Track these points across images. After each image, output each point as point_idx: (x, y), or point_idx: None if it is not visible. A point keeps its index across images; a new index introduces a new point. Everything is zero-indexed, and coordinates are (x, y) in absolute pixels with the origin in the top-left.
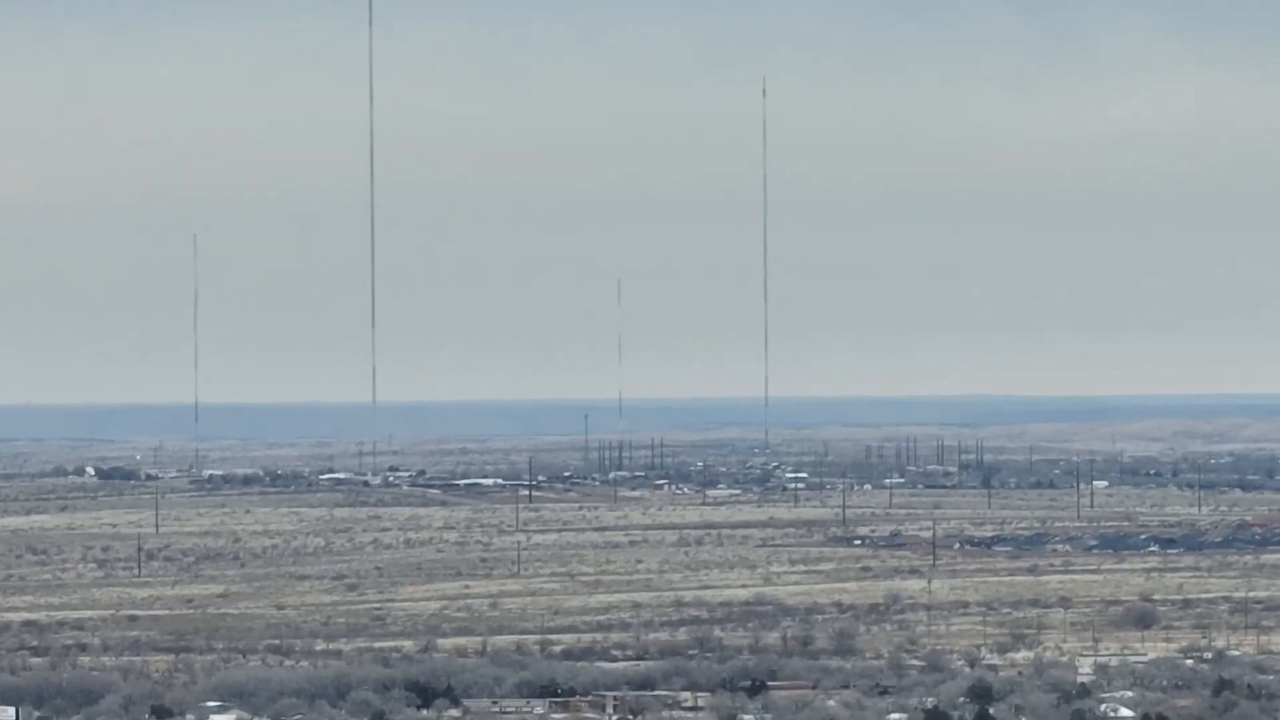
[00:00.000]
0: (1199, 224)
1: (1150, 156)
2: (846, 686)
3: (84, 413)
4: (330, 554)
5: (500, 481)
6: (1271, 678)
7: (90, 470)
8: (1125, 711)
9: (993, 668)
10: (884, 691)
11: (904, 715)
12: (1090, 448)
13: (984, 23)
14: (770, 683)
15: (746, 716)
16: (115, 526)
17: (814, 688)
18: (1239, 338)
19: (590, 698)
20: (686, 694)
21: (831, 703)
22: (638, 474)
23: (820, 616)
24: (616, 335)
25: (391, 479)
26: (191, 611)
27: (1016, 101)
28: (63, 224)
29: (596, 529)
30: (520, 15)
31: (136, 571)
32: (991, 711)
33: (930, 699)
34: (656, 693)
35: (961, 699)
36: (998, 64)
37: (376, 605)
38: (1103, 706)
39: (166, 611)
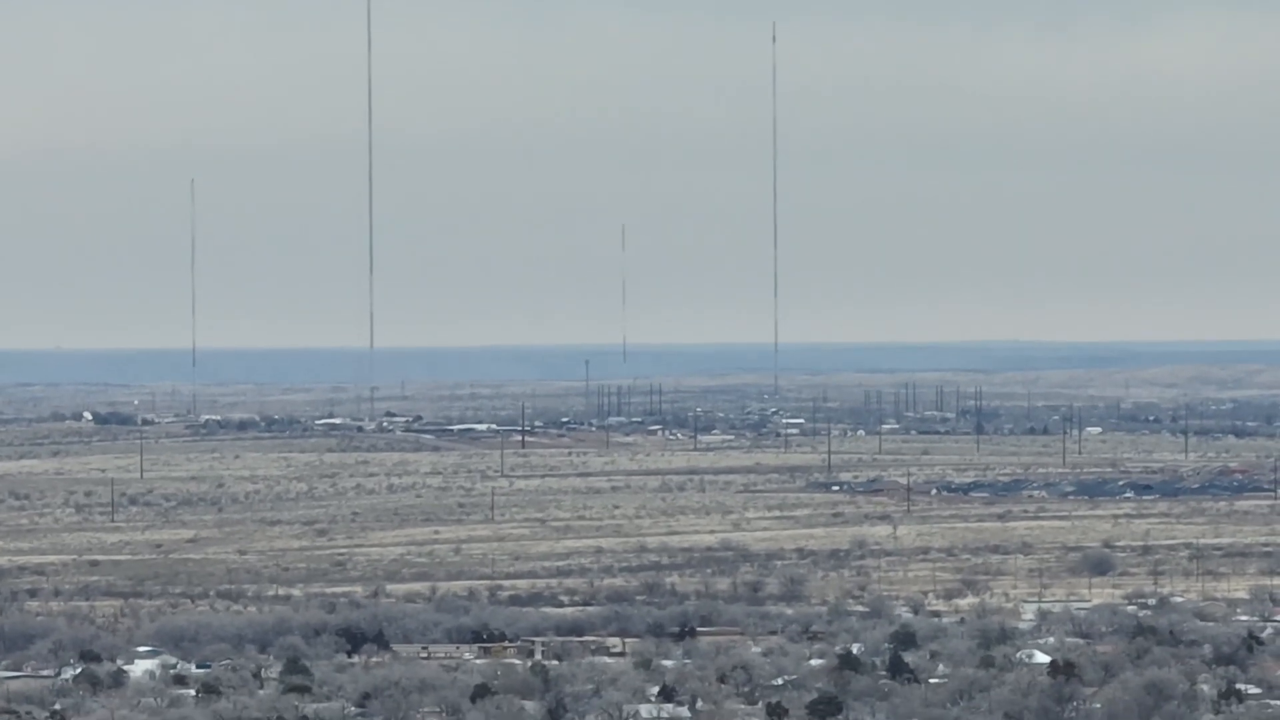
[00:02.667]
0: (1220, 171)
1: (1176, 103)
2: (774, 632)
3: (109, 358)
4: (311, 499)
5: (494, 427)
6: (1211, 624)
7: (87, 415)
8: (1040, 657)
9: (935, 613)
10: (813, 637)
11: (823, 660)
12: (1104, 394)
13: None
14: (700, 628)
15: (667, 661)
16: (104, 472)
17: (742, 634)
18: (1257, 284)
19: (519, 643)
20: (615, 639)
21: (756, 648)
22: (635, 420)
23: (780, 562)
24: (621, 280)
25: (386, 424)
26: (154, 557)
27: (1037, 47)
28: (63, 169)
29: (581, 475)
30: None
31: (111, 517)
32: (908, 657)
33: (856, 644)
34: (585, 638)
35: (885, 644)
36: (1024, 10)
37: (343, 550)
38: (1020, 653)
39: (129, 557)
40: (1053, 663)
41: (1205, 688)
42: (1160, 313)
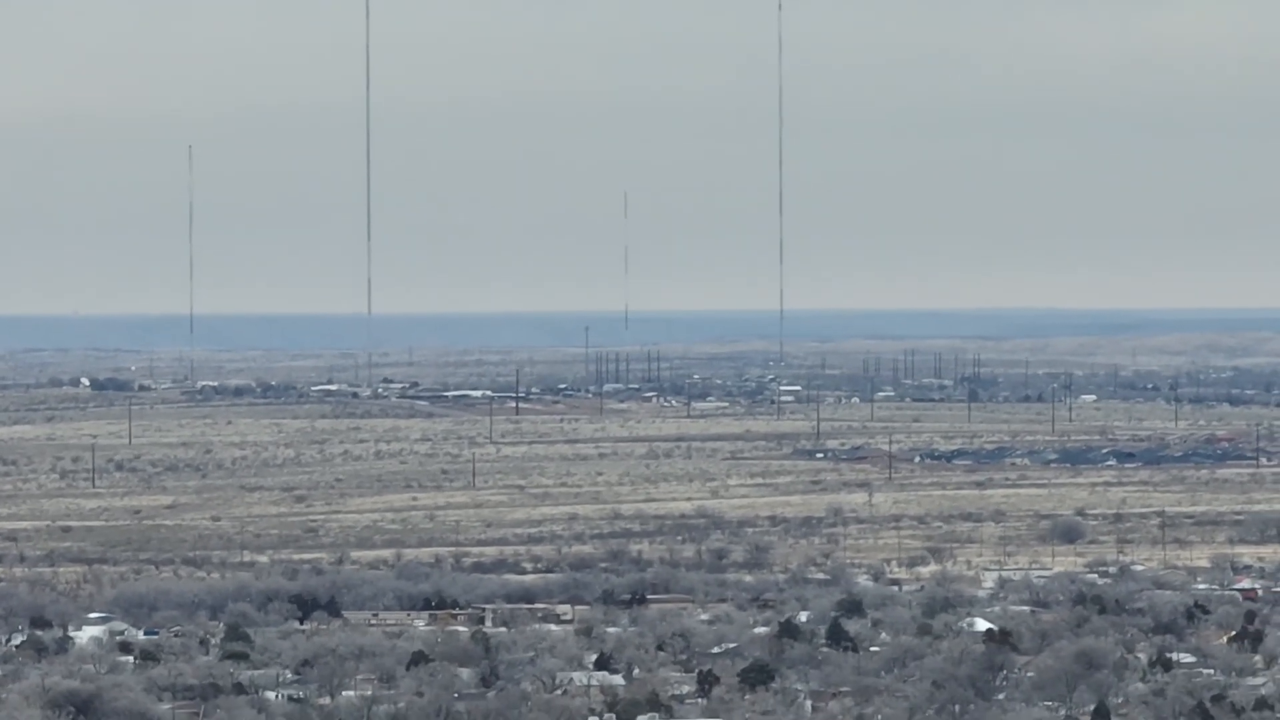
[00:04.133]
0: (1234, 138)
1: (1191, 72)
2: (724, 600)
3: (125, 324)
4: (297, 465)
5: (489, 393)
6: (1163, 593)
7: (84, 381)
8: (980, 625)
9: (894, 581)
10: (764, 605)
11: (766, 628)
12: (1111, 361)
13: None
14: (651, 596)
15: (612, 629)
16: (95, 438)
17: (691, 601)
18: (1272, 251)
19: (470, 610)
20: (566, 607)
21: (704, 616)
22: (632, 387)
23: (752, 530)
24: (624, 247)
25: (381, 391)
26: (128, 523)
27: (1045, 16)
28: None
29: (569, 441)
30: None
31: (92, 483)
32: (853, 625)
33: (804, 612)
34: (535, 606)
35: (832, 612)
36: None
37: (317, 517)
38: (962, 621)
39: (103, 523)
40: (988, 631)
41: (1141, 657)
42: (1174, 280)
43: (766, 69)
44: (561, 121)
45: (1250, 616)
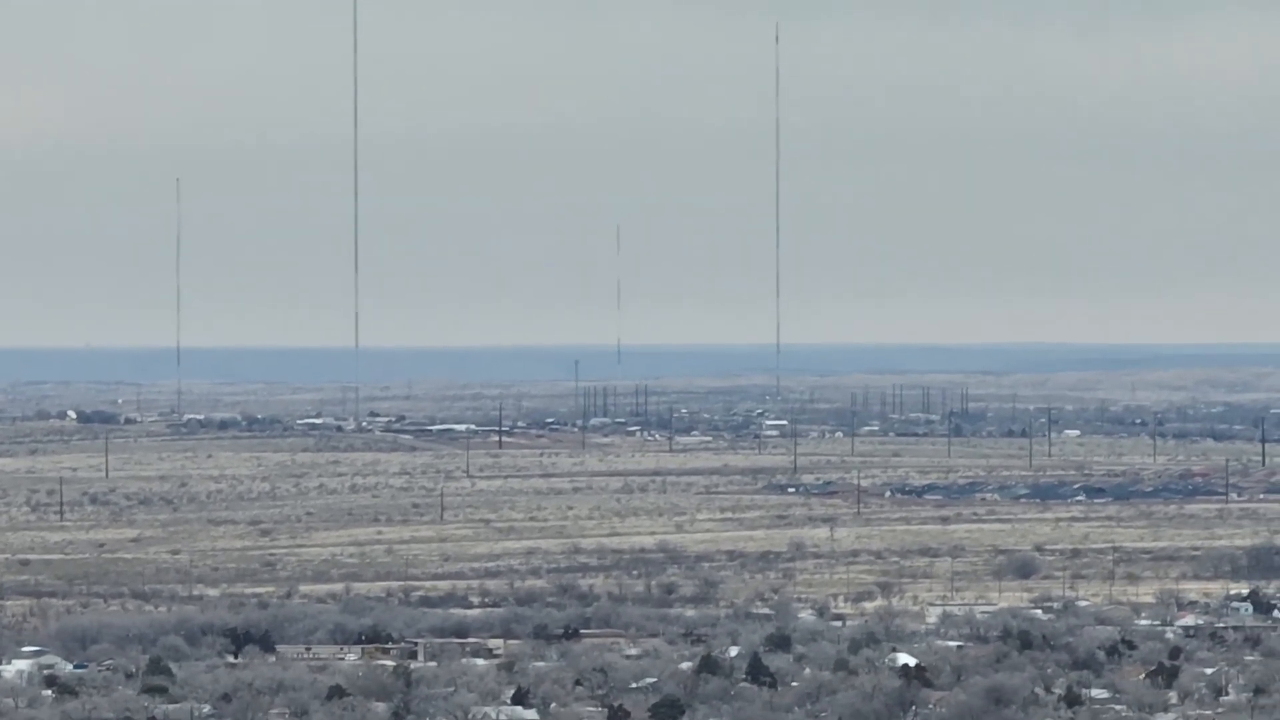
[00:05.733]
0: (1238, 171)
1: (1199, 104)
2: (656, 635)
3: (136, 356)
4: (271, 499)
5: (473, 427)
6: (1099, 629)
7: (71, 414)
8: (903, 660)
9: (839, 616)
10: (696, 640)
11: (690, 663)
12: (1110, 396)
13: None
14: (584, 631)
15: (539, 663)
16: (75, 471)
17: (623, 636)
18: (1273, 286)
19: (403, 644)
20: (498, 641)
21: (632, 651)
22: (618, 421)
23: (708, 564)
24: (616, 280)
25: (365, 425)
26: (87, 556)
27: (1046, 45)
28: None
29: (546, 476)
30: None
31: (60, 516)
32: (779, 660)
33: (734, 647)
34: (466, 640)
35: (759, 647)
36: (1032, 5)
37: (277, 551)
38: (886, 657)
39: (63, 556)
40: (903, 666)
41: (1057, 692)
42: (1178, 314)
43: (762, 99)
44: (553, 152)
45: (1175, 653)
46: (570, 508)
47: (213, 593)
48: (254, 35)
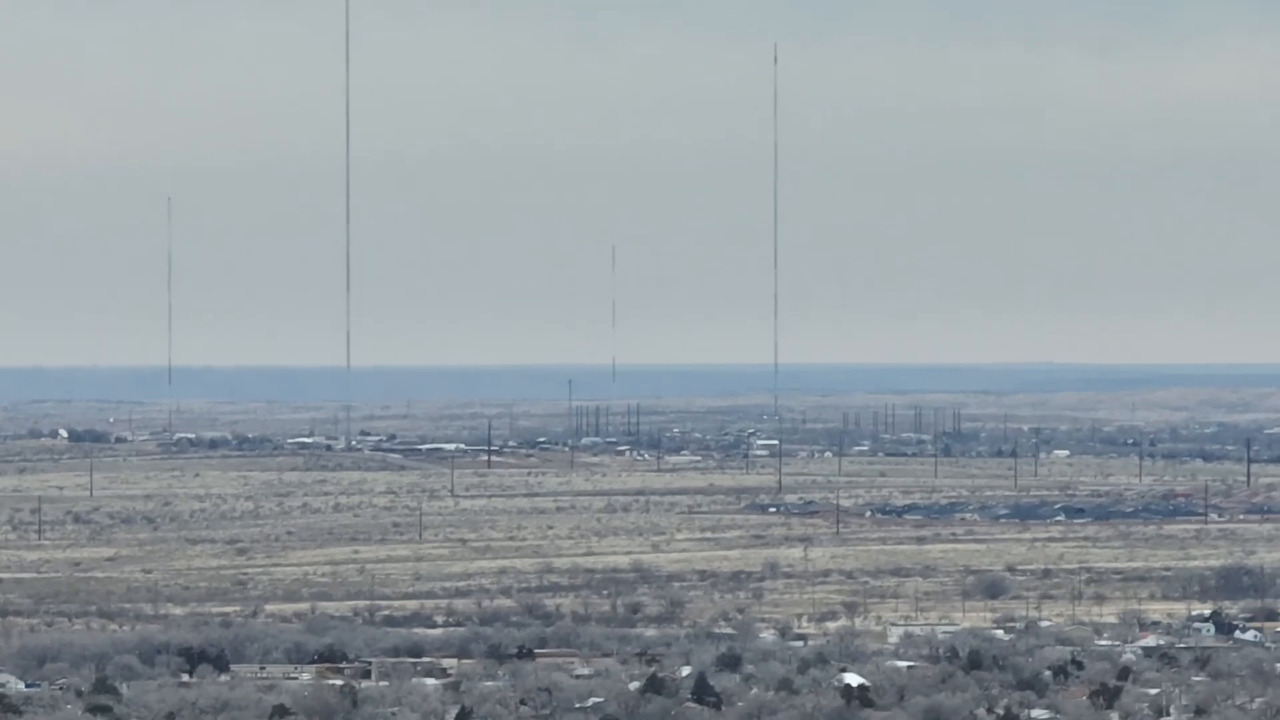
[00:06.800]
0: (1242, 193)
1: (1201, 125)
2: (609, 655)
3: (138, 375)
4: (254, 518)
5: (463, 447)
6: (1052, 649)
7: (63, 433)
8: (850, 680)
9: (800, 636)
10: (651, 660)
11: (638, 683)
12: (1111, 416)
13: None
14: (539, 650)
15: (490, 683)
16: (61, 489)
17: (576, 656)
18: (1275, 306)
19: (356, 663)
20: (452, 660)
21: (584, 670)
22: (610, 440)
23: (679, 584)
24: (611, 301)
25: (356, 443)
26: (60, 575)
27: (1044, 66)
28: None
29: (531, 495)
30: None
31: (38, 534)
32: (728, 680)
33: (686, 666)
34: (421, 659)
35: (712, 666)
36: (1029, 26)
37: (251, 570)
38: (833, 677)
39: (36, 575)
40: (845, 687)
41: (998, 712)
42: (1182, 334)
43: (760, 119)
44: (549, 172)
45: (1123, 673)
46: (550, 527)
47: (179, 612)
48: (246, 55)
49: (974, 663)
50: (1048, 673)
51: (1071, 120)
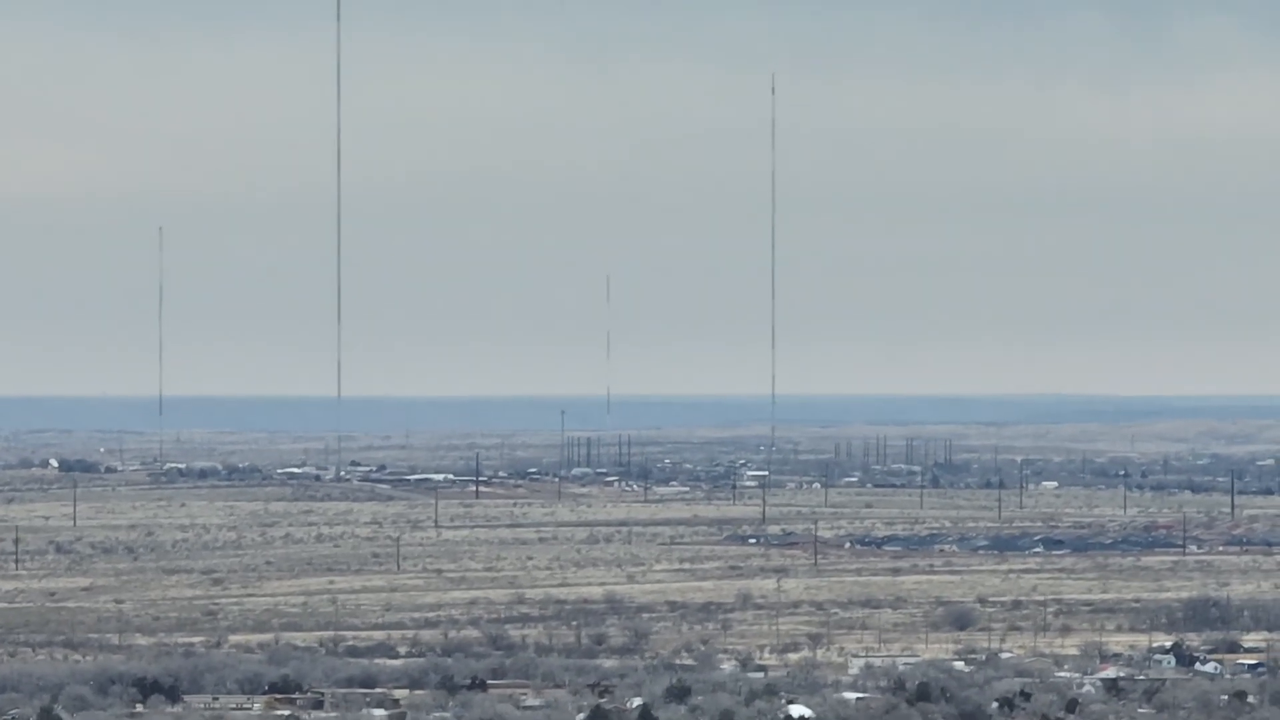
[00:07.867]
0: (1244, 228)
1: (1213, 160)
2: (560, 686)
3: (144, 405)
4: (236, 548)
5: (450, 477)
6: (1013, 681)
7: (53, 462)
8: (796, 712)
9: (761, 667)
10: (603, 691)
11: (583, 714)
12: (1110, 448)
13: (1072, 23)
14: (492, 681)
15: (440, 713)
16: (47, 519)
17: (529, 687)
18: (1277, 339)
19: (309, 694)
20: (404, 691)
21: (534, 701)
22: (600, 470)
23: (649, 615)
24: (605, 331)
25: (344, 473)
26: (32, 605)
27: (1041, 98)
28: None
29: (514, 525)
30: (501, 3)
31: (15, 564)
32: (668, 714)
33: (637, 698)
34: (374, 690)
35: (660, 698)
36: (1026, 59)
37: (230, 600)
38: (780, 709)
39: (8, 605)
40: (786, 718)
41: None
42: (1187, 367)
43: (758, 150)
44: (544, 202)
45: (1071, 705)
46: (530, 558)
47: (145, 642)
48: (237, 86)
49: (921, 695)
50: (995, 705)
51: (1076, 153)
